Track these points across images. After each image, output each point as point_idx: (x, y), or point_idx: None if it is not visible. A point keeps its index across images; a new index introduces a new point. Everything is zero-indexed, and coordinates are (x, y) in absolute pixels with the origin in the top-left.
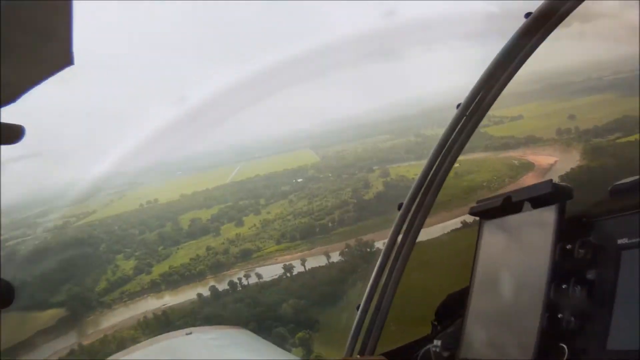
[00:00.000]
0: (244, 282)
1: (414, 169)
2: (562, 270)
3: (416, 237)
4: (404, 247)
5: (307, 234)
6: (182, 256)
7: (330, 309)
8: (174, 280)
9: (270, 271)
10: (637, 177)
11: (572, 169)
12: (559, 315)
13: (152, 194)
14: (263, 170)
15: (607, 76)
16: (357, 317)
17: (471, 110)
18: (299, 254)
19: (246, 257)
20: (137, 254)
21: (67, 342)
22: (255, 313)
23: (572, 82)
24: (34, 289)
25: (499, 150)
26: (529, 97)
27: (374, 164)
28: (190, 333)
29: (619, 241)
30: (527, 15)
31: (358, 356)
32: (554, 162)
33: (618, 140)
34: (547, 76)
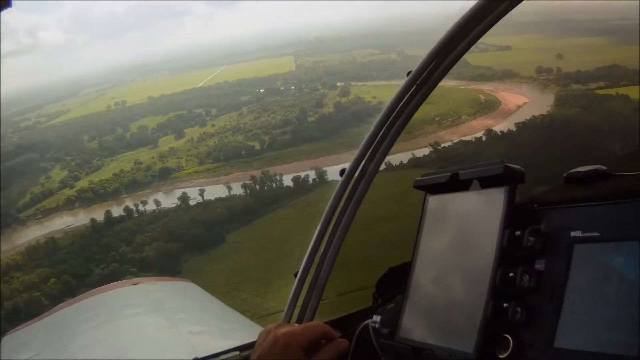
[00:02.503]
0: (141, 208)
1: (374, 91)
2: (510, 257)
3: (357, 206)
4: (345, 214)
5: (232, 155)
6: (110, 169)
7: (198, 258)
8: (88, 197)
9: (174, 197)
10: (593, 166)
11: (532, 117)
12: (505, 305)
13: (126, 94)
14: (235, 75)
15: (613, 20)
16: (295, 284)
17: (421, 80)
18: (214, 178)
19: (164, 177)
20: (73, 163)
21: None
22: (122, 252)
23: (576, 20)
24: None
25: (471, 81)
26: (526, 28)
27: (342, 79)
28: (137, 284)
29: (572, 233)
30: None
31: (296, 324)
32: (522, 104)
33: (598, 91)
34: (553, 10)
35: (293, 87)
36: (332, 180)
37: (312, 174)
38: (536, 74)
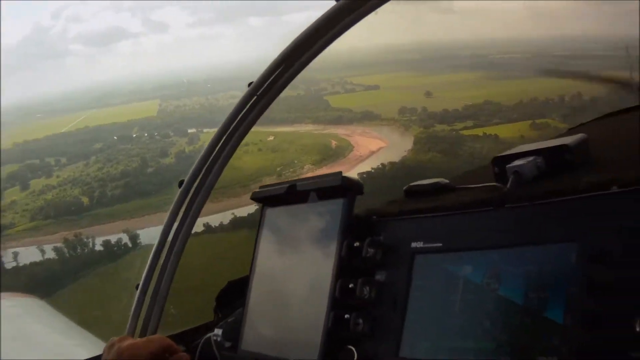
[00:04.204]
0: None
1: None
2: (349, 268)
3: (196, 217)
4: (184, 226)
5: (61, 211)
6: None
7: None
8: None
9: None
10: (435, 179)
11: (381, 165)
12: (346, 316)
13: None
14: (98, 120)
15: (493, 55)
16: (137, 296)
17: (263, 89)
18: (41, 237)
19: None
20: None
21: None
22: None
23: (456, 56)
24: None
25: (328, 124)
26: (398, 66)
27: (197, 125)
28: None
29: (413, 244)
30: None
31: (139, 339)
32: (376, 150)
33: (463, 131)
34: (432, 47)
35: (146, 134)
36: (146, 245)
37: (125, 238)
38: (399, 114)
